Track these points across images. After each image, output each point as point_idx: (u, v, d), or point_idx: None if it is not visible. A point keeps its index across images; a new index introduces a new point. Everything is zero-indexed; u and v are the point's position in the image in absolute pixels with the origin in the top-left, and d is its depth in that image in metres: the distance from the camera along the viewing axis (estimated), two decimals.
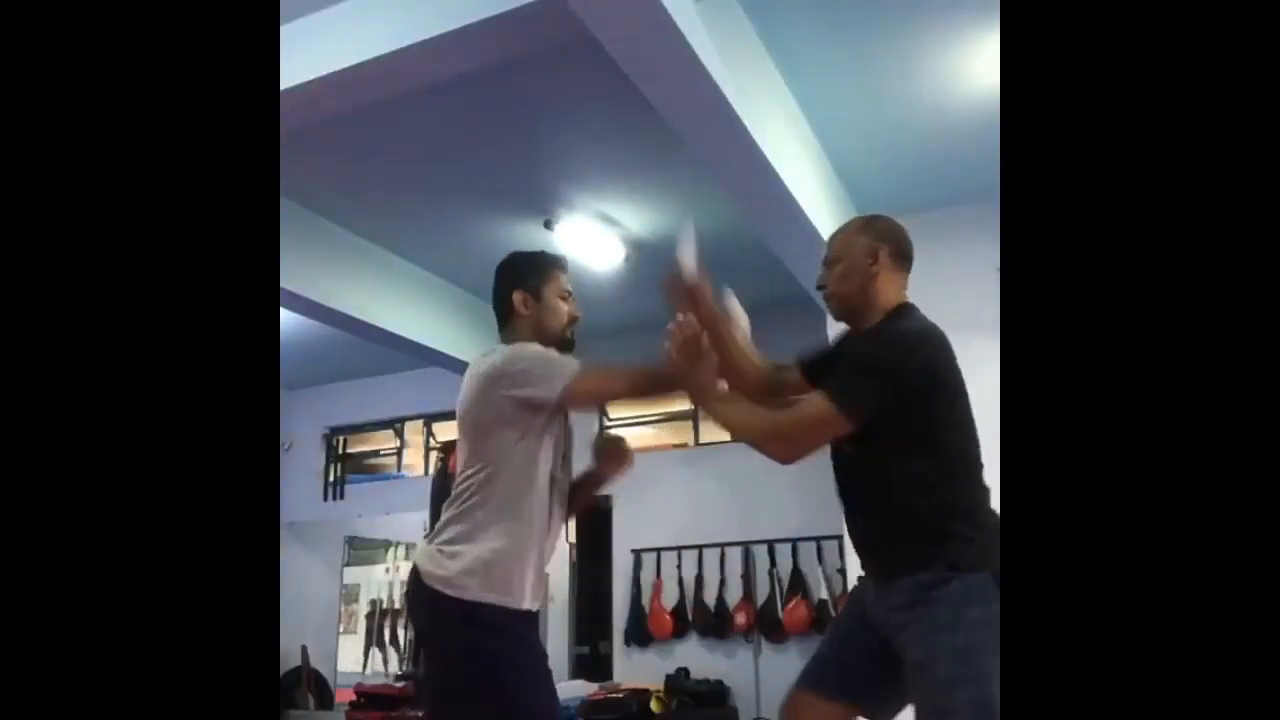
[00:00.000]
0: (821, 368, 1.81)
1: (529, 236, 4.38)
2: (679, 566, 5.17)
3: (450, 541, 1.78)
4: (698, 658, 4.99)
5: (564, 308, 1.96)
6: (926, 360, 1.65)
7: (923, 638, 1.58)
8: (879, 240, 1.80)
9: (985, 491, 1.65)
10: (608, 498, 5.41)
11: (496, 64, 2.72)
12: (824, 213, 3.53)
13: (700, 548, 5.10)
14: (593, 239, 4.34)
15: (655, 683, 4.85)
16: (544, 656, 1.86)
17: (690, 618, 5.08)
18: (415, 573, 1.80)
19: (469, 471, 1.82)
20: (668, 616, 5.11)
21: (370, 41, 2.63)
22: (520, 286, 1.94)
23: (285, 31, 2.65)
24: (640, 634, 5.16)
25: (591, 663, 5.27)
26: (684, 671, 4.91)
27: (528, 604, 1.79)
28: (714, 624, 5.00)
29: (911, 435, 1.63)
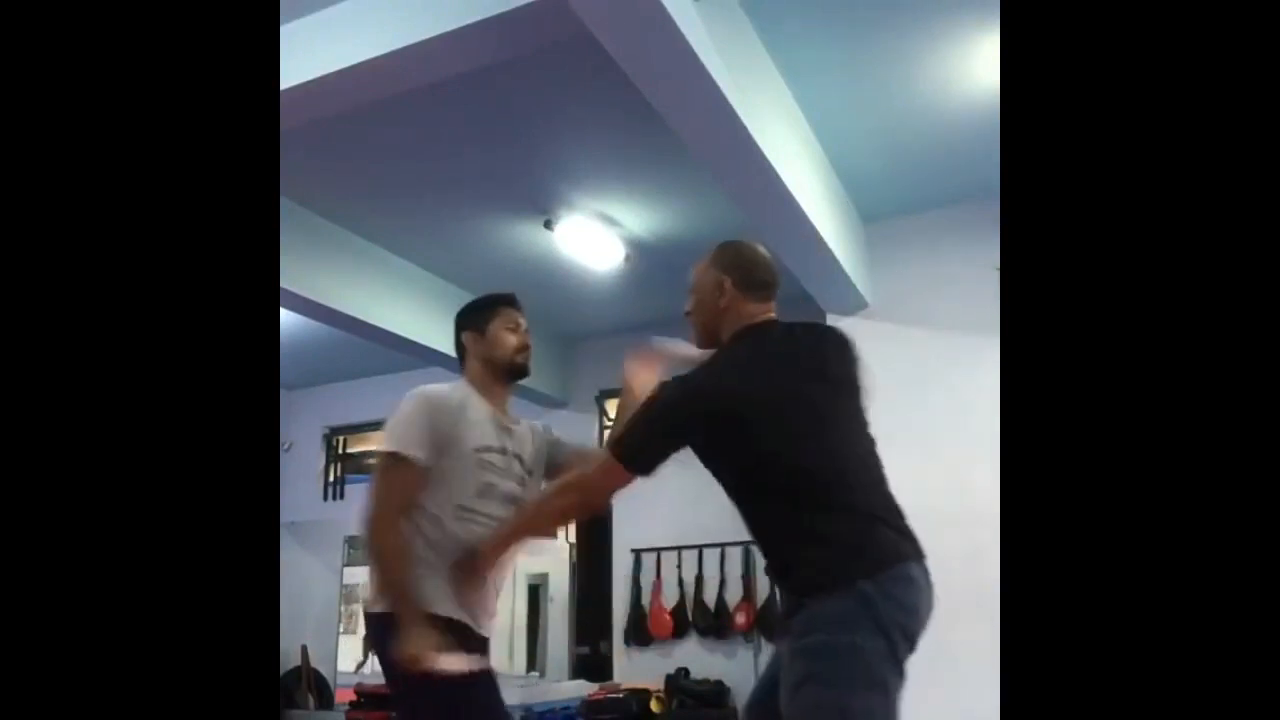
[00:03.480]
0: None
1: (529, 236, 4.38)
2: (679, 566, 5.17)
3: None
4: (698, 658, 4.99)
5: (510, 339, 2.09)
6: (726, 390, 1.63)
7: (782, 668, 1.56)
8: (724, 272, 1.81)
9: (839, 501, 1.59)
10: None
11: (496, 64, 2.72)
12: (824, 213, 3.53)
13: (700, 548, 5.10)
14: (593, 239, 4.34)
15: (655, 683, 4.85)
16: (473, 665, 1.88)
17: (690, 618, 5.08)
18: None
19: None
20: (668, 616, 5.11)
21: (370, 41, 2.63)
22: (468, 327, 2.13)
23: (285, 31, 2.65)
24: (640, 634, 5.16)
25: (591, 663, 5.26)
26: (684, 671, 4.91)
27: (448, 612, 1.84)
28: (714, 624, 5.00)
29: (741, 467, 1.63)
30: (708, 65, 2.41)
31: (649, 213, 4.21)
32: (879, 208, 4.18)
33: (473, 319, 2.14)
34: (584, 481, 1.80)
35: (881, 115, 3.47)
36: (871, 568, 1.52)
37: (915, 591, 1.55)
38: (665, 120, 2.73)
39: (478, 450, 1.95)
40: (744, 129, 2.70)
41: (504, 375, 2.09)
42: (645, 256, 4.54)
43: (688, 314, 1.88)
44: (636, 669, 5.08)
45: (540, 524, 1.89)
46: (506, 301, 2.16)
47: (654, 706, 4.73)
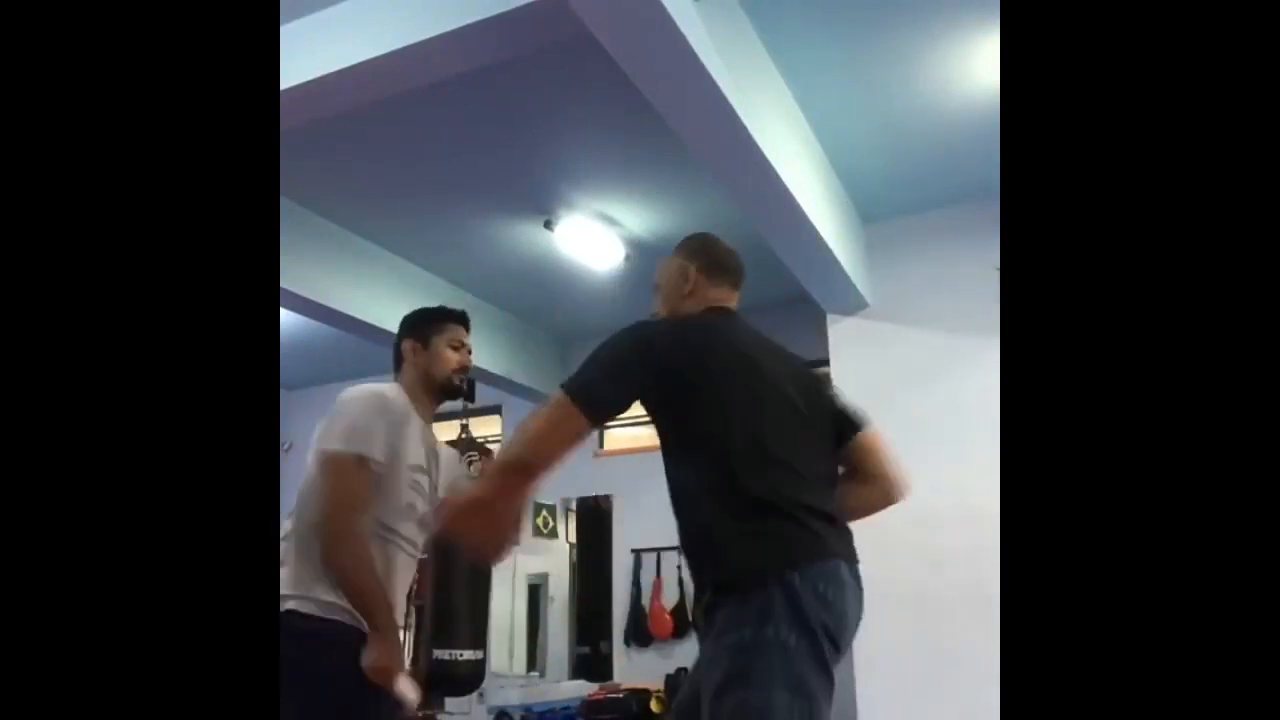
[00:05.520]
0: None
1: (529, 236, 4.38)
2: (679, 566, 5.17)
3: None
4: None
5: (452, 356, 2.03)
6: (670, 349, 1.55)
7: (702, 667, 1.47)
8: (688, 259, 1.78)
9: (777, 494, 1.50)
10: (608, 498, 5.41)
11: (496, 64, 2.72)
12: (824, 213, 3.53)
13: None
14: (593, 239, 4.34)
15: (655, 683, 4.85)
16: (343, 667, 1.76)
17: (690, 618, 5.08)
18: None
19: (300, 501, 1.88)
20: (668, 616, 5.12)
21: (370, 41, 2.63)
22: (410, 336, 2.05)
23: (285, 31, 2.65)
24: (640, 634, 5.16)
25: (591, 663, 5.27)
26: (684, 671, 4.91)
27: (337, 615, 1.74)
28: None
29: (677, 439, 1.56)
30: (708, 65, 2.41)
31: (649, 213, 4.22)
32: (879, 208, 4.18)
33: (417, 328, 2.06)
34: (526, 430, 1.52)
35: (881, 115, 3.47)
36: (799, 559, 1.45)
37: (842, 592, 1.47)
38: (665, 120, 2.73)
39: (411, 468, 1.88)
40: (744, 129, 2.70)
41: (437, 392, 2.03)
42: (645, 256, 4.54)
43: (655, 314, 1.81)
44: (636, 669, 5.08)
45: (486, 499, 1.54)
46: (456, 318, 2.10)
47: (654, 706, 4.73)
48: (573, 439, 1.50)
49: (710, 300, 1.75)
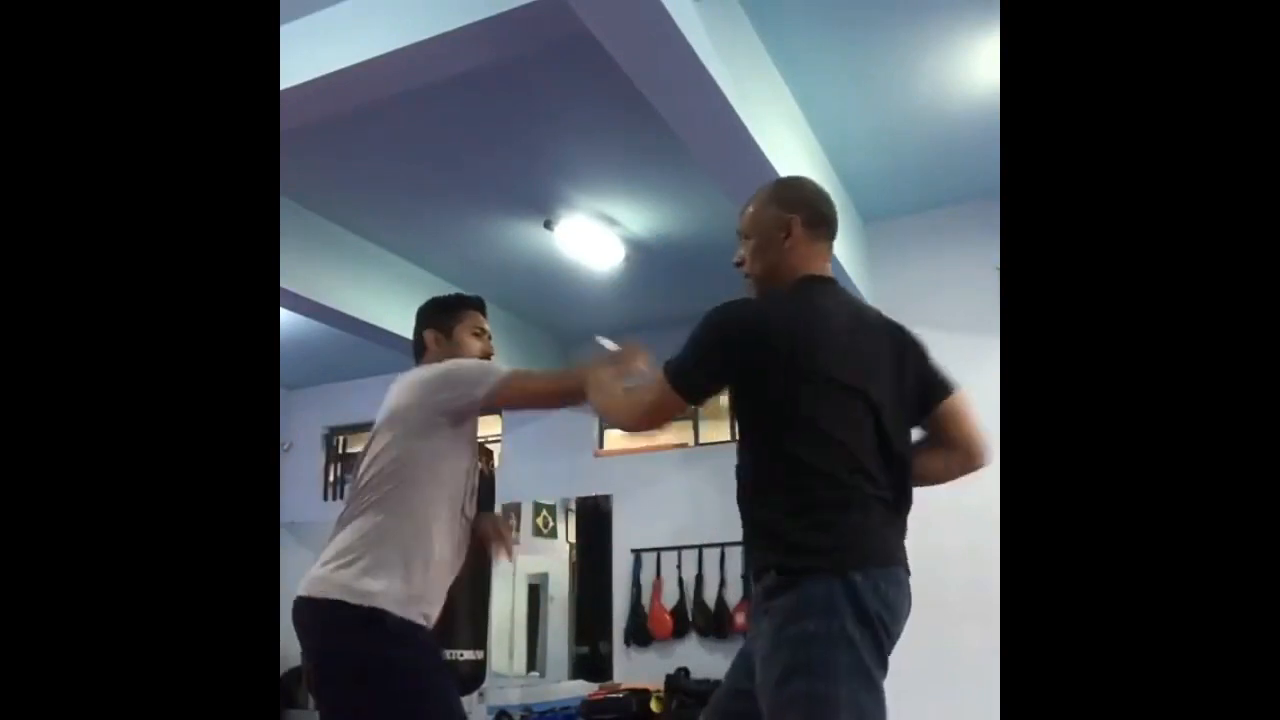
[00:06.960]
0: None
1: (529, 236, 4.38)
2: (679, 566, 5.17)
3: (351, 552, 1.77)
4: (698, 658, 4.99)
5: (475, 344, 2.05)
6: (766, 333, 1.50)
7: (760, 655, 1.46)
8: (790, 210, 1.63)
9: (851, 488, 1.48)
10: (608, 498, 5.42)
11: (496, 64, 2.72)
12: None
13: (700, 548, 5.10)
14: (593, 239, 4.34)
15: (655, 683, 4.85)
16: (443, 664, 1.87)
17: (690, 618, 5.08)
18: (305, 594, 1.79)
19: (376, 486, 1.82)
20: (668, 616, 5.12)
21: (370, 41, 2.63)
22: (431, 326, 2.06)
23: (285, 31, 2.65)
24: (640, 634, 5.16)
25: (591, 663, 5.27)
26: (684, 671, 4.91)
27: (402, 613, 1.76)
28: (714, 624, 5.00)
29: (761, 422, 1.53)
30: (708, 65, 2.41)
31: (649, 213, 4.22)
32: (879, 208, 4.18)
33: (438, 319, 2.06)
34: (637, 392, 1.66)
35: (881, 115, 3.47)
36: (866, 560, 1.45)
37: (900, 593, 1.49)
38: (665, 120, 2.73)
39: (475, 455, 1.93)
40: (744, 129, 2.70)
41: None
42: (645, 256, 4.54)
43: (738, 264, 1.71)
44: (636, 669, 5.08)
45: (600, 399, 1.76)
46: (475, 305, 2.11)
47: (654, 706, 4.73)
48: (670, 415, 1.63)
49: (810, 263, 1.64)
